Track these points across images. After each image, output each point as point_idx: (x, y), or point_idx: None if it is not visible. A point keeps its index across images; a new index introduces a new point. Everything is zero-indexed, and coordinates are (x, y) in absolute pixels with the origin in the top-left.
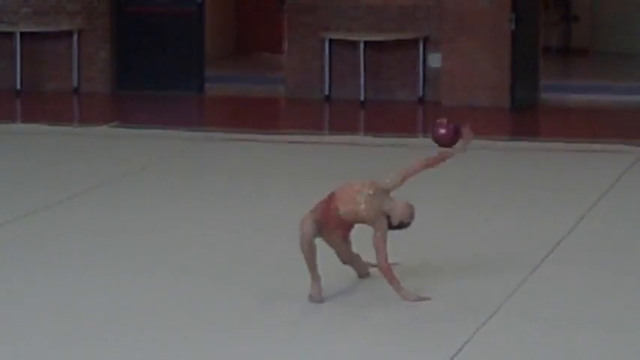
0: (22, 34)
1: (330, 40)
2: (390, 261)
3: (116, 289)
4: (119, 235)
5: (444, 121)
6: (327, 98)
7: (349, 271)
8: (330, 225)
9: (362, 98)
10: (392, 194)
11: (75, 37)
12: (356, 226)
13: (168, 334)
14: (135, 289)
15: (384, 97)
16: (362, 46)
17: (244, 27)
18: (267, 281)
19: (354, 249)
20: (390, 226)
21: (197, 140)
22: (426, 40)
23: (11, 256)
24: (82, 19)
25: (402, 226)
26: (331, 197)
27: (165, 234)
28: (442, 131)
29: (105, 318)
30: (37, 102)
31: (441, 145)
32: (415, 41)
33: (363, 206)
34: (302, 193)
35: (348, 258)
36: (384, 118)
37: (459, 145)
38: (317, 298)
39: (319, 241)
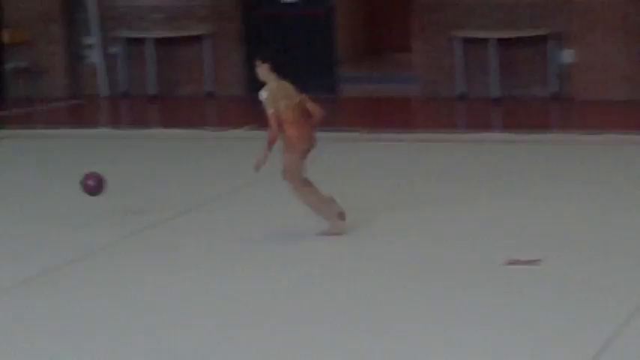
0: (154, 39)
1: (460, 38)
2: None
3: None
4: (263, 236)
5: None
6: (461, 96)
7: None
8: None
9: (495, 95)
10: None
11: (206, 41)
12: None
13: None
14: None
15: (517, 94)
16: (493, 43)
17: (375, 27)
18: None
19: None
20: None
21: (330, 140)
22: (557, 35)
23: (174, 252)
24: (212, 23)
25: None
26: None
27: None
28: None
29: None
30: (171, 106)
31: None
32: (546, 37)
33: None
34: (435, 195)
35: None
36: (519, 114)
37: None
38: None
39: None
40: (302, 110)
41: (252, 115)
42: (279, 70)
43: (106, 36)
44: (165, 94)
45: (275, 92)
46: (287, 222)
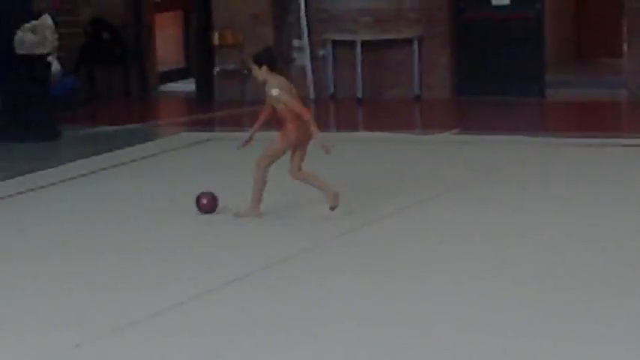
0: (362, 42)
1: None
2: None
3: (461, 291)
4: (464, 240)
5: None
6: None
7: None
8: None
9: None
10: None
11: (415, 44)
12: None
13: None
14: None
15: None
16: None
17: (584, 32)
18: None
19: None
20: None
21: (538, 145)
22: None
23: (371, 256)
24: (422, 26)
25: None
26: None
27: (509, 240)
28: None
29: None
30: (378, 109)
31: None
32: None
33: None
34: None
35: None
36: None
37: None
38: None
39: None
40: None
41: (458, 118)
42: (274, 66)
43: (315, 39)
44: (371, 97)
45: (282, 86)
46: (489, 224)
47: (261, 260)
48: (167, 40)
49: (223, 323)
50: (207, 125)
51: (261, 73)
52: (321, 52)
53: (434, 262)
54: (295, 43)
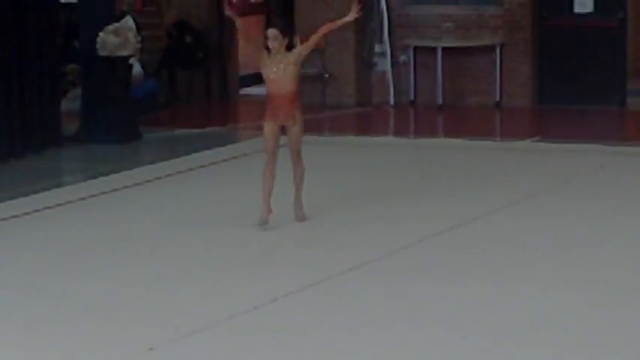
0: (443, 48)
1: None
2: None
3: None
4: (531, 250)
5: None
6: None
7: None
8: None
9: None
10: None
11: (497, 51)
12: None
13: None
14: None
15: None
16: None
17: None
18: None
19: None
20: None
21: (619, 155)
22: None
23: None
24: (503, 33)
25: None
26: None
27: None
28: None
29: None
30: (458, 116)
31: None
32: None
33: None
34: None
35: None
36: None
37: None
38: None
39: None
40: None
41: (538, 126)
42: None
43: (396, 44)
44: (451, 104)
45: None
46: (567, 233)
47: (336, 266)
48: (249, 44)
49: (296, 327)
50: None
51: (282, 42)
52: (402, 58)
53: (512, 269)
54: (377, 48)
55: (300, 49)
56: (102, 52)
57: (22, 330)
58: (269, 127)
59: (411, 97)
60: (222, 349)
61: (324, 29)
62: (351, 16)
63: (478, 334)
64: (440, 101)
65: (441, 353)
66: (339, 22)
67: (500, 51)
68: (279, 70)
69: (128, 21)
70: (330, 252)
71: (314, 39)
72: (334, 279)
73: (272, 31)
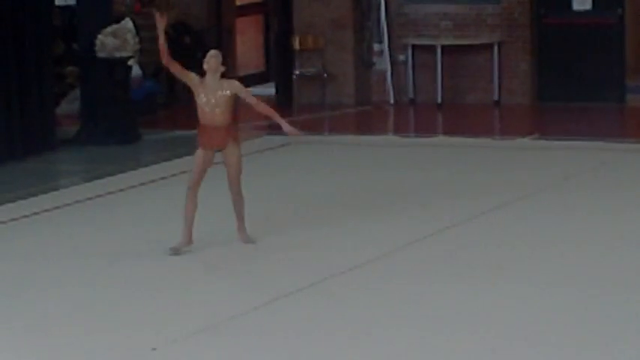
0: (442, 47)
1: None
2: None
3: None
4: (530, 248)
5: None
6: None
7: None
8: None
9: None
10: None
11: (495, 49)
12: None
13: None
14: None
15: None
16: None
17: None
18: None
19: None
20: None
21: (618, 152)
22: None
23: (449, 263)
24: (502, 31)
25: None
26: None
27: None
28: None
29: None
30: (457, 114)
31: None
32: None
33: None
34: None
35: None
36: None
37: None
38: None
39: None
40: None
41: (537, 124)
42: None
43: (395, 43)
44: (450, 102)
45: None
46: (567, 230)
47: (335, 267)
48: (247, 44)
49: (297, 327)
50: None
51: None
52: (401, 57)
53: (511, 267)
54: (375, 47)
55: (241, 89)
56: (101, 54)
57: (23, 332)
58: (203, 153)
59: (411, 95)
60: (223, 350)
61: (262, 106)
62: (289, 129)
63: (478, 333)
64: (439, 100)
65: (441, 353)
66: (276, 117)
67: (499, 49)
68: (214, 100)
69: (127, 23)
70: (331, 252)
71: (252, 98)
72: (334, 279)
73: (213, 51)
